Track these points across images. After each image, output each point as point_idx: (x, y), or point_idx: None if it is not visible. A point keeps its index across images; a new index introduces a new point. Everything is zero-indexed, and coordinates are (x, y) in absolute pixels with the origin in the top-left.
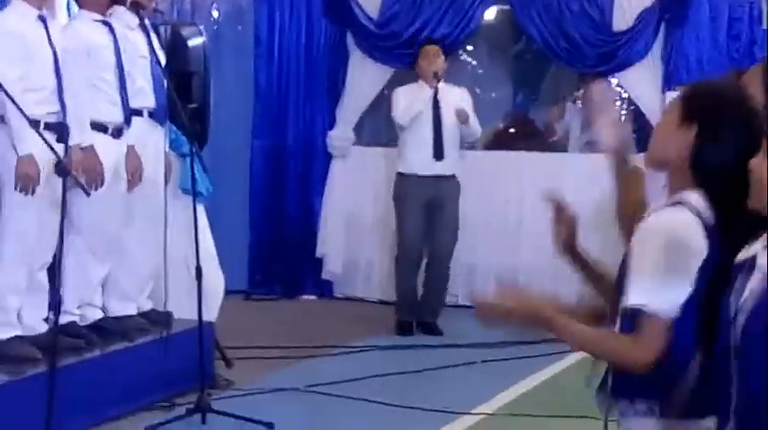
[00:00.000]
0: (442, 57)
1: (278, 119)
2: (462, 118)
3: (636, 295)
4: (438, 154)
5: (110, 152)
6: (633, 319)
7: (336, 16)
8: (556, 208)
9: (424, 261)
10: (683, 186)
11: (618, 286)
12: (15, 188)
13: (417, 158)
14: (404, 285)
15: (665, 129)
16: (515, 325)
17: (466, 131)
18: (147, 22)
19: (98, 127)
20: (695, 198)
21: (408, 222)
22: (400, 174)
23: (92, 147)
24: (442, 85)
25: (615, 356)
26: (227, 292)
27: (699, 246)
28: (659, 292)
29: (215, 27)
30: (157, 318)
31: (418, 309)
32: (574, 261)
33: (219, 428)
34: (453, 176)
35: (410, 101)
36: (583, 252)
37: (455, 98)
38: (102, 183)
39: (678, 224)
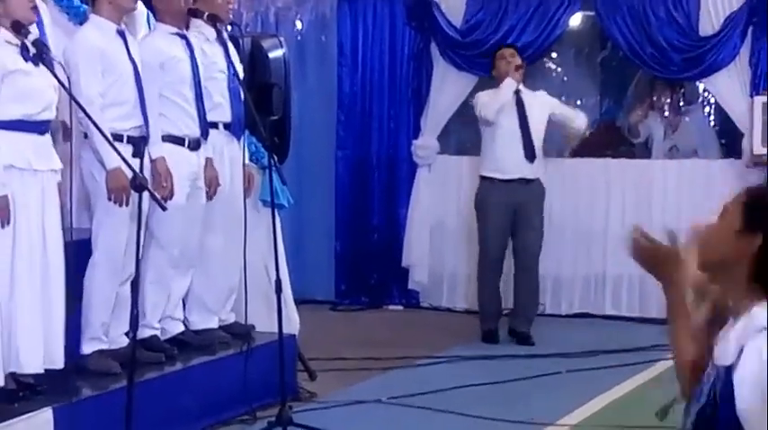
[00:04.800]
0: (518, 57)
1: (362, 128)
2: None
3: None
4: (529, 154)
5: (187, 164)
6: None
7: (420, 25)
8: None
9: (512, 270)
10: (744, 297)
11: None
12: (109, 199)
13: (503, 161)
14: (486, 292)
15: (721, 233)
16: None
17: (574, 127)
18: (225, 34)
19: (175, 140)
20: None
21: (490, 227)
22: (483, 178)
23: (163, 158)
24: (521, 87)
25: (682, 369)
26: (314, 303)
27: None
28: None
29: (298, 38)
30: (239, 331)
31: (509, 317)
32: None
33: None
34: (538, 180)
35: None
36: None
37: (537, 101)
38: (171, 195)
39: None
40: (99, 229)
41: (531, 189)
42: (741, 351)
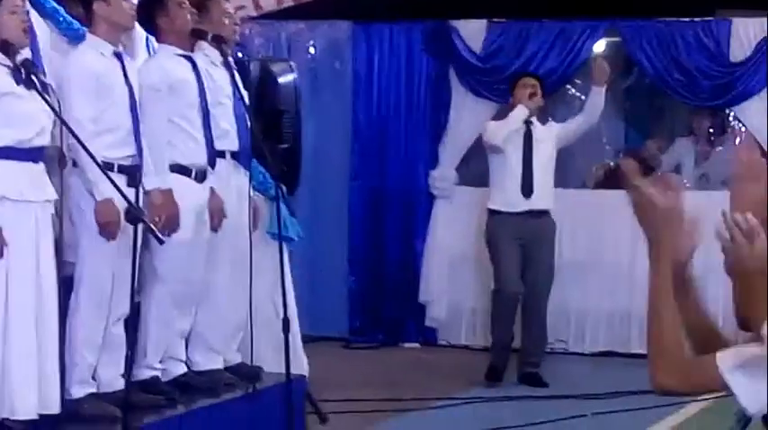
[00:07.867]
0: (540, 92)
1: (378, 158)
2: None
3: None
4: (526, 190)
5: (193, 196)
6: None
7: (438, 51)
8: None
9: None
10: None
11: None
12: (100, 233)
13: (506, 194)
14: (501, 330)
15: None
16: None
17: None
18: (230, 58)
19: (180, 170)
20: None
21: (504, 261)
22: (491, 212)
23: (170, 191)
24: (533, 119)
25: (657, 347)
26: (326, 340)
27: None
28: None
29: (312, 64)
30: (246, 373)
31: (518, 356)
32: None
33: None
34: (546, 213)
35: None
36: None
37: (546, 133)
38: (176, 229)
39: None
40: (83, 264)
41: (539, 223)
42: None
